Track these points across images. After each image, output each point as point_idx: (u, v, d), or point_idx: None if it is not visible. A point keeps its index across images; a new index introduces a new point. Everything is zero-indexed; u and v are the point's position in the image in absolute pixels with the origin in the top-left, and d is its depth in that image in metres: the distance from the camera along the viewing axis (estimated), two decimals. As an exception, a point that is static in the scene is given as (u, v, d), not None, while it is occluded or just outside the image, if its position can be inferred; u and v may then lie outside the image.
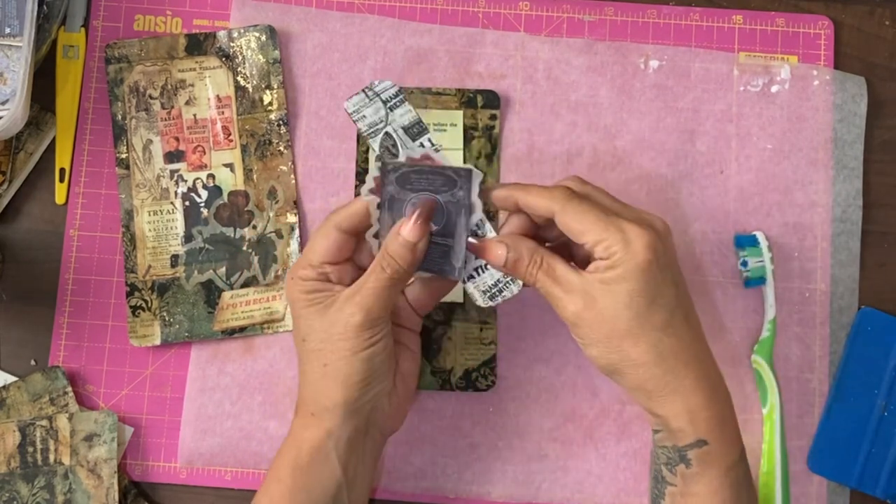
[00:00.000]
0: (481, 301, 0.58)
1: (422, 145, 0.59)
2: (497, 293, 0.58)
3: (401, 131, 0.60)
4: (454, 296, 0.67)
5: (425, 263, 0.58)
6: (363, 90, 0.59)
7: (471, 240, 0.57)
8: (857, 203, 0.69)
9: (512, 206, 0.57)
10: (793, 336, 0.67)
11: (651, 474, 0.57)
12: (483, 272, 0.59)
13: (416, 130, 0.61)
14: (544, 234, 0.59)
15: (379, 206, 0.57)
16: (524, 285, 0.57)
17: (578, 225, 0.53)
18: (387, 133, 0.57)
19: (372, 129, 0.60)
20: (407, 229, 0.55)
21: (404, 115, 0.60)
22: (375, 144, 0.60)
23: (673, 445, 0.54)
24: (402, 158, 0.57)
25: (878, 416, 0.66)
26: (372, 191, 0.57)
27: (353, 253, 0.58)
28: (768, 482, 0.65)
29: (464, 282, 0.58)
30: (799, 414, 0.67)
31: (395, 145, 0.57)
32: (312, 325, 0.56)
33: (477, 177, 0.56)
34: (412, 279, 0.60)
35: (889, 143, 0.70)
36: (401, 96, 0.60)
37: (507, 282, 0.58)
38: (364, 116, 0.60)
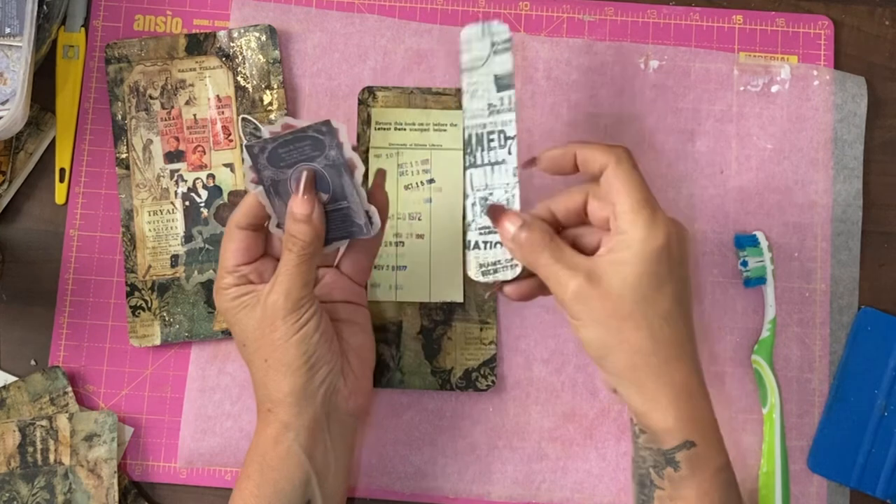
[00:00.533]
0: (474, 273, 0.59)
1: (500, 101, 0.60)
2: (492, 271, 0.59)
3: (491, 77, 0.60)
4: (454, 296, 0.67)
5: (332, 233, 0.58)
6: (482, 23, 0.59)
7: (492, 203, 0.58)
8: (857, 203, 0.69)
9: (569, 166, 0.56)
10: (793, 336, 0.67)
11: (635, 479, 0.56)
12: (489, 248, 0.59)
13: (505, 82, 0.60)
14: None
15: (268, 196, 0.57)
16: (522, 274, 0.57)
17: (623, 186, 0.53)
18: (245, 118, 0.57)
19: (471, 65, 0.59)
20: (296, 205, 0.56)
21: (503, 63, 0.60)
22: (465, 81, 0.59)
23: (658, 448, 0.53)
24: (265, 135, 0.56)
25: (878, 416, 0.66)
26: (253, 181, 0.57)
27: (266, 248, 0.59)
28: (768, 482, 0.65)
29: (468, 248, 0.58)
30: (799, 414, 0.67)
31: (256, 128, 0.56)
32: (246, 327, 0.57)
33: (341, 129, 0.55)
34: (329, 251, 0.60)
35: (889, 143, 0.70)
36: (509, 43, 0.60)
37: (507, 265, 0.58)
38: (471, 49, 0.59)
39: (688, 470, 0.53)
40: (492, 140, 0.60)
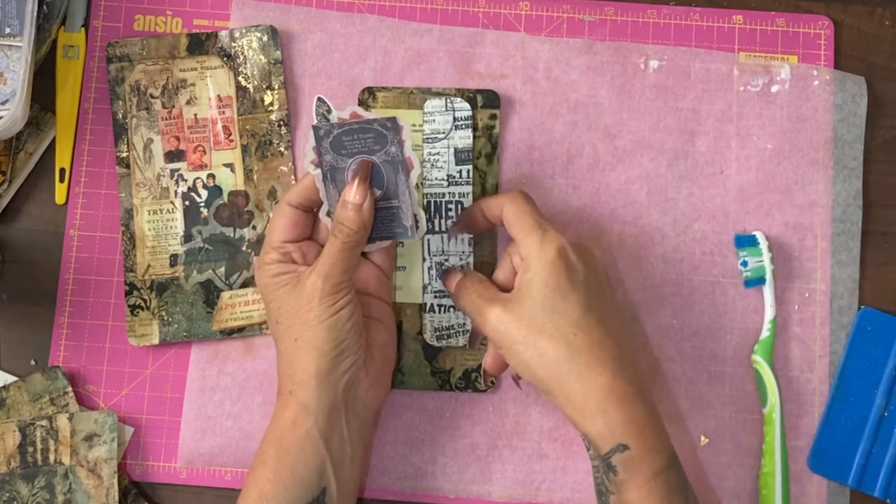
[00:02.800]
0: (429, 337, 0.65)
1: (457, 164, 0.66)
2: (446, 336, 0.65)
3: (452, 150, 0.66)
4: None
5: (376, 231, 0.60)
6: (446, 98, 0.66)
7: (444, 268, 0.64)
8: (857, 203, 0.69)
9: (479, 221, 0.62)
10: (793, 336, 0.67)
11: (595, 489, 0.57)
12: (443, 312, 0.65)
13: (464, 156, 0.66)
14: None
15: (324, 181, 0.59)
16: (470, 343, 0.65)
17: (514, 218, 0.59)
18: (320, 99, 0.59)
19: (432, 135, 0.65)
20: (350, 193, 0.58)
21: (463, 138, 0.66)
22: (426, 151, 0.64)
23: (598, 454, 0.55)
24: (334, 120, 0.59)
25: (878, 416, 0.66)
26: (313, 162, 0.59)
27: (312, 233, 0.62)
28: (768, 482, 0.65)
29: (424, 311, 0.64)
30: (799, 414, 0.67)
31: (329, 111, 0.58)
32: (282, 305, 0.58)
33: (405, 127, 0.58)
34: (371, 250, 0.62)
35: (889, 143, 0.70)
36: (469, 121, 0.66)
37: (459, 331, 0.65)
38: (434, 120, 0.66)
39: (625, 473, 0.54)
40: (450, 209, 0.66)
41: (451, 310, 0.65)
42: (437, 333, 0.65)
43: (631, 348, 0.58)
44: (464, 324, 0.65)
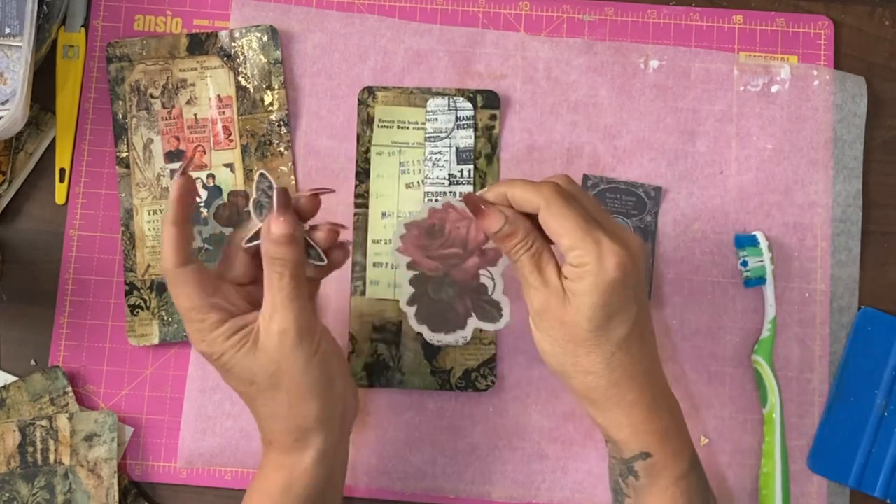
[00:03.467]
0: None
1: (458, 175, 0.66)
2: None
3: (453, 150, 0.66)
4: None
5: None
6: (449, 98, 0.65)
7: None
8: (857, 203, 0.69)
9: (504, 204, 0.56)
10: (793, 336, 0.67)
11: (611, 486, 0.57)
12: None
13: (465, 156, 0.66)
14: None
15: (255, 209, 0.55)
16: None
17: (558, 226, 0.52)
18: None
19: (434, 134, 0.65)
20: (277, 225, 0.53)
21: (465, 138, 0.66)
22: (428, 149, 0.64)
23: (620, 457, 0.55)
24: (422, 212, 0.57)
25: (878, 416, 0.66)
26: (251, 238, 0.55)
27: (223, 269, 0.56)
28: (768, 482, 0.65)
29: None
30: (799, 414, 0.67)
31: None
32: (251, 367, 0.53)
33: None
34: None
35: (889, 143, 0.70)
36: (471, 121, 0.65)
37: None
38: (437, 119, 0.65)
39: (647, 479, 0.54)
40: None
41: None
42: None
43: (657, 353, 0.56)
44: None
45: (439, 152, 0.67)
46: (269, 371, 0.53)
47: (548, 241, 0.55)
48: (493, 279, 0.58)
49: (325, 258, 0.55)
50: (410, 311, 0.58)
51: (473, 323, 0.59)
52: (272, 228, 0.53)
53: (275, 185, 0.54)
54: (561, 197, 0.53)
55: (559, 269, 0.53)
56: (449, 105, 0.67)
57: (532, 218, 0.54)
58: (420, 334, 0.60)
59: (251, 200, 0.55)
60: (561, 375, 0.55)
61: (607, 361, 0.53)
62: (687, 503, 0.54)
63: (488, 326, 0.59)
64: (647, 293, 0.66)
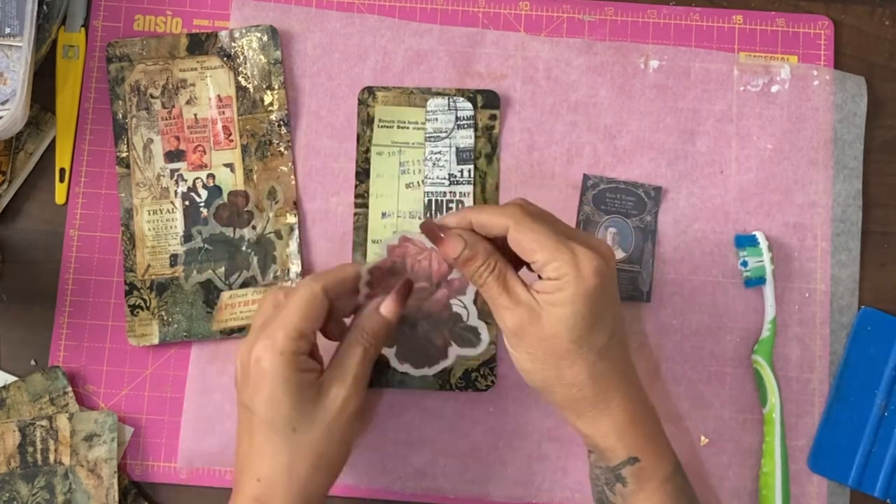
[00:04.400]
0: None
1: (458, 175, 0.66)
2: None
3: (453, 149, 0.66)
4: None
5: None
6: (449, 97, 0.66)
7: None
8: (857, 203, 0.69)
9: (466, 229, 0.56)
10: (793, 336, 0.67)
11: (595, 497, 0.57)
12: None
13: (465, 156, 0.67)
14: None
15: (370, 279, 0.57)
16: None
17: (531, 243, 0.52)
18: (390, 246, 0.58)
19: (435, 134, 0.66)
20: (388, 307, 0.56)
21: (465, 138, 0.66)
22: (428, 149, 0.65)
23: (606, 466, 0.55)
24: (382, 253, 0.58)
25: (878, 416, 0.66)
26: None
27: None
28: (768, 482, 0.65)
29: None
30: (799, 414, 0.67)
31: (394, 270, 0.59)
32: (305, 411, 0.53)
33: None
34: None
35: (889, 143, 0.70)
36: (471, 121, 0.66)
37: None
38: (437, 119, 0.66)
39: (635, 485, 0.54)
40: (450, 208, 0.66)
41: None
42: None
43: (630, 355, 0.57)
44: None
45: (439, 152, 0.67)
46: (316, 426, 0.53)
47: (510, 261, 0.55)
48: (465, 307, 0.59)
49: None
50: (391, 352, 0.60)
51: (455, 351, 0.59)
52: (383, 309, 0.56)
53: (402, 273, 0.58)
54: (528, 215, 0.53)
55: (526, 285, 0.54)
56: (449, 105, 0.67)
57: (491, 241, 0.55)
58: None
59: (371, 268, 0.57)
60: (544, 391, 0.55)
61: (590, 371, 0.53)
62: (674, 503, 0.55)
63: (470, 352, 0.59)
64: (647, 294, 0.66)
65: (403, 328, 0.59)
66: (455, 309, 0.59)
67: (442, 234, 0.55)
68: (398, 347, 0.60)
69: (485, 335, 0.59)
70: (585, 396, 0.54)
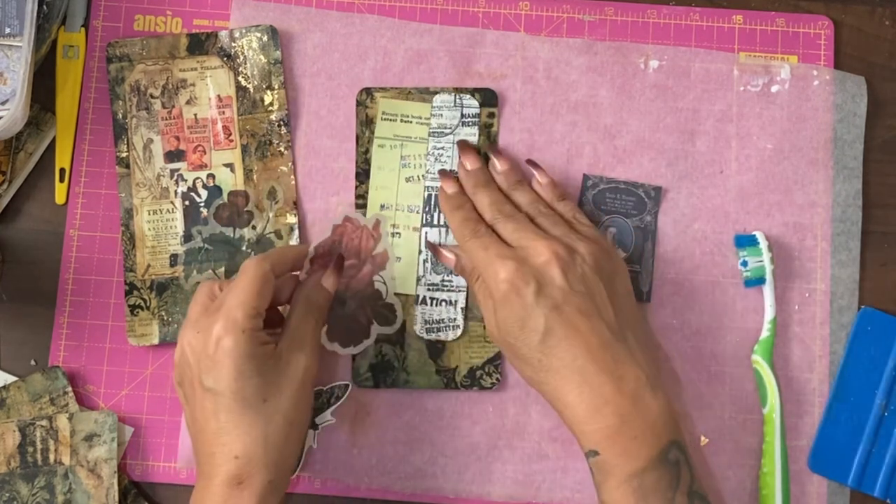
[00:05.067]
0: (419, 328, 0.65)
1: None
2: (435, 329, 0.65)
3: (456, 147, 0.67)
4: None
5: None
6: (455, 94, 0.67)
7: (430, 240, 0.66)
8: (857, 203, 0.69)
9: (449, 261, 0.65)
10: (793, 336, 0.67)
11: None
12: (435, 306, 0.65)
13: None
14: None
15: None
16: (460, 336, 0.66)
17: (470, 264, 0.62)
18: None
19: (439, 130, 0.66)
20: (329, 280, 0.62)
21: (469, 135, 0.67)
22: (431, 144, 0.66)
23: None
24: (327, 231, 0.66)
25: (878, 416, 0.66)
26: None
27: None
28: (768, 482, 0.65)
29: (416, 303, 0.66)
30: (799, 414, 0.67)
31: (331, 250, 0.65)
32: (272, 381, 0.56)
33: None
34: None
35: (889, 143, 0.70)
36: (476, 119, 0.67)
37: (449, 325, 0.65)
38: (442, 115, 0.67)
39: (599, 476, 0.56)
40: None
41: (444, 303, 0.65)
42: (427, 326, 0.66)
43: (600, 353, 0.56)
44: (454, 318, 0.65)
45: (442, 148, 0.67)
46: (285, 395, 0.56)
47: None
48: (384, 282, 0.65)
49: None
50: (322, 330, 0.64)
51: (375, 329, 0.65)
52: (324, 282, 0.61)
53: (338, 250, 0.65)
54: (469, 237, 0.61)
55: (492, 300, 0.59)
56: (455, 102, 0.67)
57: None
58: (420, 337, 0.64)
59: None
60: (531, 386, 0.60)
61: (537, 368, 0.57)
62: (640, 501, 0.55)
63: (387, 330, 0.65)
64: (647, 293, 0.66)
65: (334, 306, 0.64)
66: (376, 286, 0.65)
67: (441, 249, 0.64)
68: (329, 326, 0.64)
69: (399, 312, 0.65)
70: (545, 392, 0.58)
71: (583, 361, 0.56)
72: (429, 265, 0.66)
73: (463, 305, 0.66)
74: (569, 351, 0.56)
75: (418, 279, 0.66)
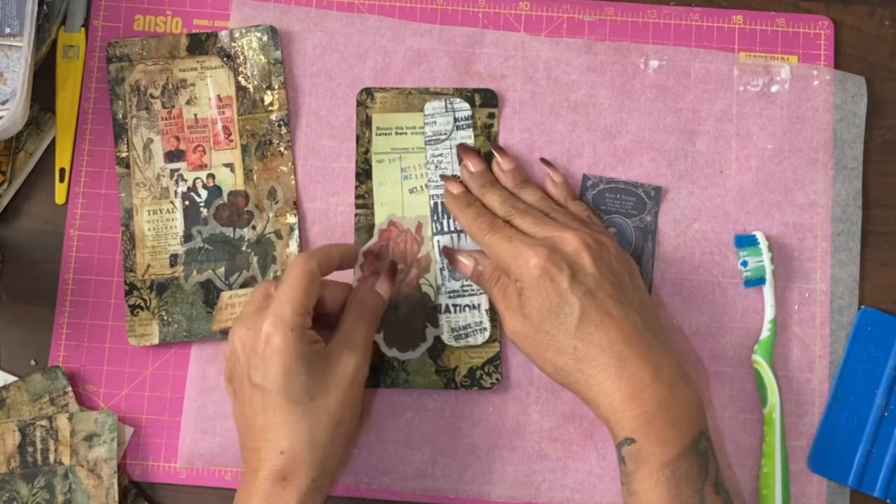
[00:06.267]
0: (447, 337, 0.65)
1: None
2: (464, 335, 0.65)
3: (455, 151, 0.67)
4: (454, 296, 0.67)
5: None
6: (445, 99, 0.67)
7: (446, 246, 0.65)
8: (857, 203, 0.69)
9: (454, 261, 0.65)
10: (793, 336, 0.67)
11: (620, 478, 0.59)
12: (458, 312, 0.65)
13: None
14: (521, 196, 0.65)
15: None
16: (489, 339, 0.65)
17: (496, 257, 0.61)
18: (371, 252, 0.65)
19: (434, 137, 0.66)
20: (384, 286, 0.62)
21: (465, 139, 0.67)
22: (429, 153, 0.66)
23: (615, 444, 0.57)
24: (374, 236, 0.66)
25: (878, 416, 0.66)
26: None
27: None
28: (768, 482, 0.65)
29: (440, 312, 0.65)
30: (799, 414, 0.67)
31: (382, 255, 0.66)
32: (320, 380, 0.57)
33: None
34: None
35: (889, 143, 0.70)
36: (470, 121, 0.67)
37: (477, 329, 0.65)
38: (435, 122, 0.67)
39: (633, 465, 0.56)
40: None
41: (467, 309, 0.65)
42: (455, 334, 0.65)
43: (635, 337, 0.57)
44: (480, 321, 0.65)
45: (440, 155, 0.67)
46: (334, 395, 0.57)
47: None
48: (430, 285, 0.65)
49: None
50: (379, 338, 0.64)
51: (432, 332, 0.65)
52: (379, 288, 0.62)
53: (387, 256, 0.65)
54: (489, 231, 0.61)
55: (521, 293, 0.59)
56: (446, 107, 0.67)
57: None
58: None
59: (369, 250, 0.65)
60: (559, 383, 0.59)
61: (574, 356, 0.57)
62: (672, 489, 0.55)
63: (439, 332, 0.65)
64: (647, 287, 0.66)
65: (388, 312, 0.63)
66: (424, 289, 0.65)
67: (458, 255, 0.64)
68: (385, 332, 0.64)
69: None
70: (579, 381, 0.57)
71: (620, 346, 0.56)
72: (446, 273, 0.66)
73: (486, 307, 0.65)
74: (606, 336, 0.56)
75: (438, 288, 0.66)
